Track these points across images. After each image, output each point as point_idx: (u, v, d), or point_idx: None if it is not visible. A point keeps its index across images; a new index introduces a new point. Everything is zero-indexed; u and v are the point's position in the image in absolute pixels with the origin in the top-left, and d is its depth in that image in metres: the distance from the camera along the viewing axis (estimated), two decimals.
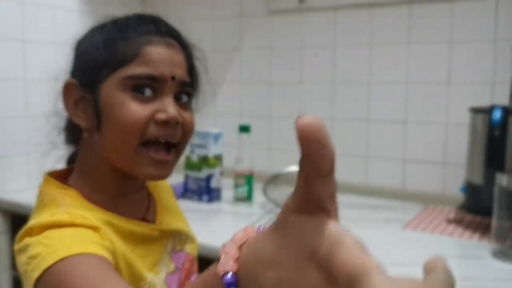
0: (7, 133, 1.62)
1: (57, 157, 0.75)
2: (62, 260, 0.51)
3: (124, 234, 0.65)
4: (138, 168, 0.63)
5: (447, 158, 1.53)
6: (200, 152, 1.55)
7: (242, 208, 1.50)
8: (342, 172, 1.67)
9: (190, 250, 0.80)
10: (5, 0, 1.58)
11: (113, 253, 0.59)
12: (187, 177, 1.58)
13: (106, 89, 0.63)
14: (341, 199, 1.63)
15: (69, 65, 0.72)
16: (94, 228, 0.58)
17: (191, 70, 0.69)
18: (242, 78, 1.90)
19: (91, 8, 1.87)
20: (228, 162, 1.67)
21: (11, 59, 1.61)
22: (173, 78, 0.63)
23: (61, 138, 0.74)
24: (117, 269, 0.59)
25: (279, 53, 1.81)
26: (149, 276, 0.66)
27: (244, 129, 1.52)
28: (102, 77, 0.63)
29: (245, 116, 1.90)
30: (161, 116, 0.62)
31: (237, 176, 1.52)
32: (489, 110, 1.20)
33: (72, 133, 0.71)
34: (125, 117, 0.61)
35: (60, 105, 0.69)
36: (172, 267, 0.73)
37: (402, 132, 1.60)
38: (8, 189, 1.63)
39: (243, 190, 1.51)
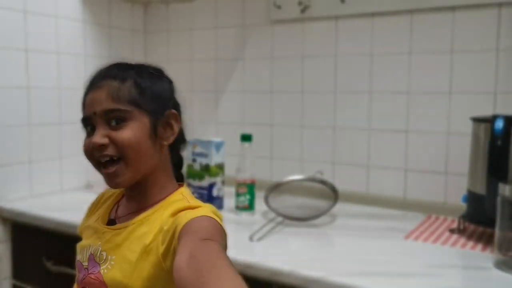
0: (10, 142, 1.63)
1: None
2: None
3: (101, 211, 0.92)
4: (104, 178, 0.84)
5: (449, 167, 1.53)
6: (202, 160, 1.55)
7: (244, 216, 1.50)
8: (344, 181, 1.67)
9: (105, 275, 0.79)
10: (8, 9, 1.59)
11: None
12: (189, 186, 1.57)
13: None
14: (342, 208, 1.64)
15: None
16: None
17: (120, 96, 0.81)
18: (244, 87, 1.91)
19: (94, 17, 1.88)
20: (230, 171, 1.67)
21: (14, 68, 1.62)
22: (94, 113, 0.81)
23: None
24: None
25: (280, 62, 1.81)
26: (78, 248, 0.90)
27: (246, 138, 1.52)
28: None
29: (247, 125, 1.90)
30: (90, 144, 0.82)
31: (239, 185, 1.52)
32: (491, 120, 1.20)
33: None
34: (84, 149, 0.84)
35: None
36: (85, 264, 0.85)
37: (403, 141, 1.60)
38: (9, 197, 1.63)
39: (245, 199, 1.51)
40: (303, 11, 1.71)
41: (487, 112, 1.41)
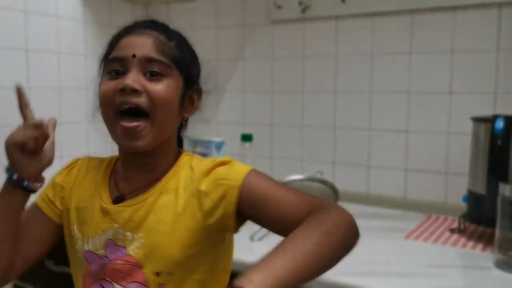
0: None
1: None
2: None
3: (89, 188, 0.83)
4: (116, 139, 0.77)
5: (449, 167, 1.53)
6: None
7: None
8: (344, 181, 1.66)
9: (138, 255, 0.74)
10: (9, 9, 1.59)
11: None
12: None
13: (101, 77, 0.80)
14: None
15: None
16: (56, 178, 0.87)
17: (164, 49, 0.77)
18: (245, 87, 1.91)
19: (95, 17, 1.88)
20: None
21: (14, 68, 1.62)
22: (133, 56, 0.75)
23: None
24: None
25: (281, 62, 1.81)
26: (78, 236, 0.80)
27: (246, 138, 1.52)
28: (102, 69, 0.81)
29: (247, 125, 1.90)
30: (118, 86, 0.74)
31: None
32: (491, 120, 1.20)
33: None
34: (100, 92, 0.77)
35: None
36: (101, 252, 0.77)
37: (404, 141, 1.59)
38: None
39: None
40: (303, 11, 1.71)
41: (487, 112, 1.41)
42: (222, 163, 0.77)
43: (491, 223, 1.15)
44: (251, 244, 1.23)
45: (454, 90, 1.50)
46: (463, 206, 1.37)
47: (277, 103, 1.83)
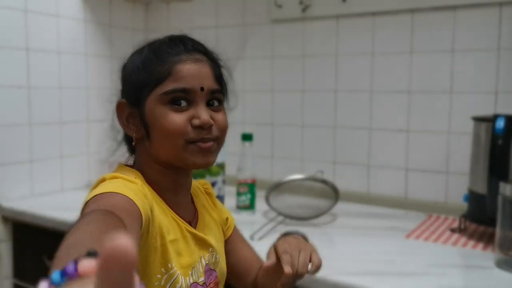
0: (10, 141, 1.62)
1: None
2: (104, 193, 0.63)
3: (168, 220, 0.75)
4: (187, 157, 0.74)
5: (450, 167, 1.53)
6: None
7: (245, 216, 1.50)
8: (344, 181, 1.66)
9: (219, 273, 0.83)
10: (9, 8, 1.59)
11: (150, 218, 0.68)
12: None
13: (149, 105, 0.75)
14: (343, 207, 1.63)
15: (119, 87, 0.82)
16: (145, 195, 0.69)
17: (219, 77, 0.79)
18: (245, 86, 1.91)
19: (95, 16, 1.87)
20: (230, 170, 1.67)
21: (14, 68, 1.62)
22: (202, 89, 0.74)
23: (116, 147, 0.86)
24: (149, 231, 0.68)
25: (281, 61, 1.81)
26: (177, 272, 0.72)
27: (246, 137, 1.52)
28: (145, 95, 0.75)
29: (248, 124, 1.90)
30: (196, 122, 0.73)
31: (239, 184, 1.52)
32: (492, 119, 1.20)
33: (129, 143, 0.82)
34: (168, 125, 0.73)
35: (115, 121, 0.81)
36: (201, 280, 0.77)
37: (404, 141, 1.59)
38: (10, 196, 1.63)
39: (245, 198, 1.51)
40: (304, 10, 1.71)
41: (488, 111, 1.41)
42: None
43: (492, 222, 1.15)
44: (251, 243, 1.23)
45: (454, 90, 1.50)
46: (463, 205, 1.37)
47: (278, 103, 1.83)
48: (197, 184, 0.92)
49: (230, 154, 1.63)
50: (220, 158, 1.55)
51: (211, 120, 0.75)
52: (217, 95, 0.77)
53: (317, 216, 1.43)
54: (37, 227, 1.51)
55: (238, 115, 1.92)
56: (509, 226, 1.09)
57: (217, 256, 0.83)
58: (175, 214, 0.77)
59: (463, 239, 1.28)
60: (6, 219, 1.60)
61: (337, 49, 1.69)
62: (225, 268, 0.86)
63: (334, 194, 1.48)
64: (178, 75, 0.74)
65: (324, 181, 1.52)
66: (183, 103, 0.74)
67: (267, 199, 1.48)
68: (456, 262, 1.15)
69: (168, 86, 0.73)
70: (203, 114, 0.73)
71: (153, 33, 2.07)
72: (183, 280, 0.73)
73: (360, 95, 1.66)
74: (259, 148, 1.80)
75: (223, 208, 0.94)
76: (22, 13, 1.62)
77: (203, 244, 0.80)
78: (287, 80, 1.80)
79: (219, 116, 0.77)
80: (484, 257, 1.15)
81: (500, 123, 1.18)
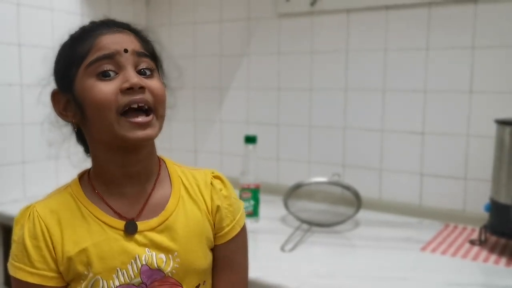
0: (2, 141, 1.57)
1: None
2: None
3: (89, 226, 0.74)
4: (123, 134, 0.71)
5: (469, 173, 1.44)
6: None
7: (248, 224, 1.40)
8: (355, 186, 1.59)
9: (180, 272, 0.76)
10: (0, 1, 1.53)
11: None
12: None
13: (78, 84, 0.73)
14: (360, 215, 1.51)
15: (52, 78, 0.80)
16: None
17: (146, 44, 0.78)
18: (250, 84, 1.85)
19: (92, 10, 1.81)
20: (233, 173, 1.59)
21: (6, 64, 1.57)
22: (125, 50, 0.73)
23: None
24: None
25: (288, 58, 1.75)
26: (96, 276, 0.72)
27: (250, 139, 1.45)
28: (72, 75, 0.74)
29: (252, 124, 1.83)
30: (125, 85, 0.71)
31: (242, 189, 1.44)
32: None
33: (83, 143, 0.81)
34: (96, 96, 0.71)
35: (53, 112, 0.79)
36: (136, 281, 0.74)
37: (419, 144, 1.52)
38: (1, 200, 1.58)
39: (249, 205, 1.43)
40: (312, 4, 1.65)
41: (510, 113, 1.33)
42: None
43: None
44: (281, 255, 1.19)
45: (475, 89, 1.42)
46: (483, 214, 1.30)
47: (284, 102, 1.77)
48: (193, 173, 0.83)
49: (233, 155, 1.57)
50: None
51: (141, 82, 0.72)
52: (145, 60, 0.75)
53: (339, 223, 1.39)
54: None
55: (242, 114, 1.86)
56: None
57: (166, 256, 0.75)
58: (106, 216, 0.74)
59: (484, 253, 1.19)
60: None
61: (347, 45, 1.62)
62: (202, 266, 0.78)
63: (356, 201, 1.44)
64: (100, 44, 0.73)
65: (346, 187, 1.48)
66: (112, 74, 0.72)
67: (285, 204, 1.44)
68: (477, 280, 1.06)
69: (91, 57, 0.72)
70: (131, 75, 0.71)
71: (154, 29, 2.01)
72: (105, 283, 0.72)
73: (372, 94, 1.58)
74: (264, 149, 1.74)
75: (229, 213, 0.83)
76: (15, 6, 1.57)
77: (134, 246, 0.74)
78: (294, 78, 1.74)
79: (152, 82, 0.74)
80: (507, 274, 1.07)
81: None
